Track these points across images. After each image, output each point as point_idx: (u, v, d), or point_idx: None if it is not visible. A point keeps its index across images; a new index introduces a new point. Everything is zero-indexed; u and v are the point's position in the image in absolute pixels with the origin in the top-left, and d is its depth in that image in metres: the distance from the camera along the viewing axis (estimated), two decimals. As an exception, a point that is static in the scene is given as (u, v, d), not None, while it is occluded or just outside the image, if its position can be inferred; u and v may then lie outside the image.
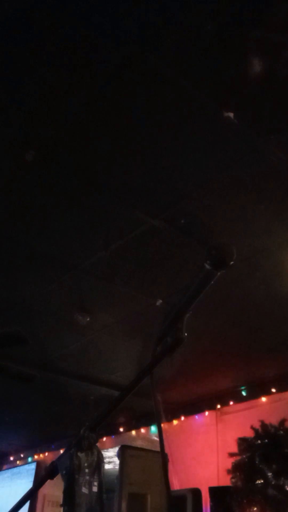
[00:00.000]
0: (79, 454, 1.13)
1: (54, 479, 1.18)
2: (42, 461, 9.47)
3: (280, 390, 6.09)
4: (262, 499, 5.11)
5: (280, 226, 3.69)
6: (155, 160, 3.17)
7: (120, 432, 7.93)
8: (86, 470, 1.13)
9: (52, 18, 2.38)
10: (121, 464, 6.22)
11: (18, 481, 9.65)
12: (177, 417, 7.18)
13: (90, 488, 1.12)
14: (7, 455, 10.30)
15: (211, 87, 2.67)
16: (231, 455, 5.62)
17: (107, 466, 8.30)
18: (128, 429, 7.87)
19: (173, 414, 7.13)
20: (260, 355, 5.64)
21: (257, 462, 5.30)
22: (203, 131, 2.94)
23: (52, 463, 1.18)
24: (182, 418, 7.17)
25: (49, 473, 1.17)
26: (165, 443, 1.26)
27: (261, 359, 5.74)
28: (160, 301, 4.59)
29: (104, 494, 1.15)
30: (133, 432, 7.84)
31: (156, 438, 7.34)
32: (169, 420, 7.18)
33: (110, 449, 7.75)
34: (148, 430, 7.62)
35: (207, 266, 1.15)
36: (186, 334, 1.16)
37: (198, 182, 3.31)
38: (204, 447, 6.67)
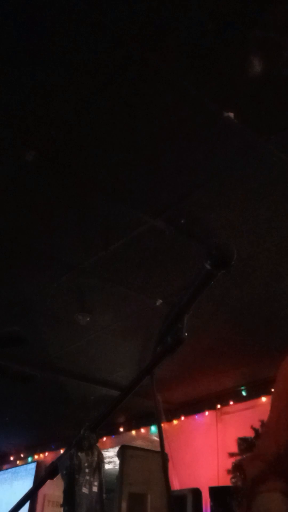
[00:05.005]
0: (79, 454, 1.12)
1: (54, 479, 1.18)
2: (42, 461, 9.46)
3: (280, 390, 6.08)
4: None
5: (280, 226, 3.69)
6: (155, 160, 3.17)
7: (120, 432, 7.93)
8: (86, 470, 1.13)
9: (52, 18, 2.37)
10: (121, 464, 6.22)
11: (18, 481, 9.65)
12: (177, 417, 7.18)
13: (90, 488, 1.12)
14: (7, 455, 10.29)
15: (211, 87, 2.67)
16: (231, 455, 5.62)
17: (107, 466, 8.30)
18: (128, 429, 7.87)
19: (173, 414, 7.13)
20: (260, 355, 5.63)
21: (257, 462, 5.29)
22: (203, 131, 2.94)
23: (52, 463, 1.17)
24: (182, 418, 7.17)
25: (49, 473, 1.17)
26: (165, 443, 1.26)
27: (261, 359, 5.73)
28: (160, 301, 4.59)
29: (104, 494, 1.15)
30: (133, 432, 7.84)
31: (156, 438, 7.33)
32: (169, 420, 7.18)
33: (110, 449, 7.75)
34: (148, 430, 7.61)
35: (207, 266, 1.14)
36: (186, 334, 1.16)
37: (198, 182, 3.31)
38: (204, 447, 6.67)
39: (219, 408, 6.75)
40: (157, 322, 1.24)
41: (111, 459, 7.77)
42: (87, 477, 1.12)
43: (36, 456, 9.71)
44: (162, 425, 1.38)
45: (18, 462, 10.15)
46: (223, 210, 3.54)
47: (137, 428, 7.77)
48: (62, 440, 8.85)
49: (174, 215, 3.58)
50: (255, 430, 5.51)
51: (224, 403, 6.68)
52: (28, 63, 2.59)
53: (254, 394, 6.33)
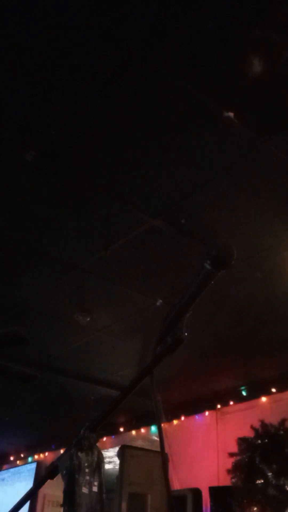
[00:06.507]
0: (79, 454, 1.12)
1: (54, 479, 1.18)
2: (42, 461, 9.46)
3: (280, 390, 6.09)
4: (262, 499, 5.11)
5: (280, 226, 3.69)
6: (155, 160, 3.17)
7: (120, 432, 7.93)
8: (86, 470, 1.13)
9: (53, 18, 2.37)
10: (121, 464, 6.22)
11: (18, 481, 9.64)
12: (177, 417, 7.18)
13: (90, 488, 1.12)
14: (7, 455, 10.29)
15: (211, 87, 2.67)
16: (231, 455, 5.62)
17: (107, 466, 8.30)
18: (128, 429, 7.87)
19: (173, 414, 7.13)
20: (260, 355, 5.63)
21: (257, 462, 5.30)
22: (203, 131, 2.94)
23: (52, 463, 1.18)
24: (182, 418, 7.16)
25: (49, 473, 1.17)
26: (165, 443, 1.26)
27: (261, 359, 5.73)
28: (160, 301, 4.59)
29: (104, 494, 1.15)
30: (133, 432, 7.83)
31: (156, 438, 7.34)
32: (169, 420, 7.18)
33: (110, 449, 7.75)
34: (148, 430, 7.61)
35: (207, 266, 1.14)
36: (186, 334, 1.16)
37: (198, 182, 3.31)
38: (204, 447, 6.67)
39: (219, 408, 6.75)
40: (157, 322, 1.24)
41: (111, 459, 7.77)
42: (87, 477, 1.12)
43: (36, 456, 9.71)
44: (162, 425, 1.39)
45: (18, 462, 10.15)
46: (223, 210, 3.54)
47: (137, 428, 7.77)
48: (62, 440, 8.85)
49: (174, 215, 3.58)
50: (255, 430, 5.51)
51: (224, 403, 6.68)
52: (28, 63, 2.59)
53: (254, 394, 6.33)
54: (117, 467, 6.45)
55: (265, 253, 3.97)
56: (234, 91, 2.69)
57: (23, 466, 9.85)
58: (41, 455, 9.60)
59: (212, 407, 6.81)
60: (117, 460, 6.61)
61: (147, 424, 7.56)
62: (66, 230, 3.84)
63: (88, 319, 4.89)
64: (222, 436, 6.50)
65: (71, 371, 6.27)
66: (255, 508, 5.18)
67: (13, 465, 10.20)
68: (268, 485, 5.13)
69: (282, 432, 5.39)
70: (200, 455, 6.64)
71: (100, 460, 1.16)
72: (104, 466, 1.17)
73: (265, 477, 5.19)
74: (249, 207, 3.51)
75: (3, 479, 10.13)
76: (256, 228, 3.71)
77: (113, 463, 7.68)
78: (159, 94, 2.73)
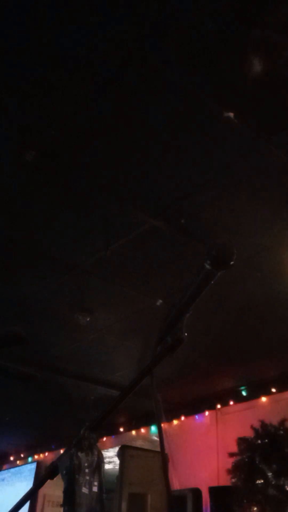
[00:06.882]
0: (79, 454, 1.13)
1: (54, 479, 1.18)
2: (42, 461, 9.47)
3: (280, 390, 6.09)
4: (262, 499, 5.11)
5: (280, 226, 3.69)
6: (155, 160, 3.17)
7: (120, 432, 7.93)
8: (86, 470, 1.13)
9: (52, 18, 2.37)
10: (121, 464, 6.23)
11: (18, 481, 9.65)
12: (177, 417, 7.18)
13: (90, 488, 1.12)
14: (7, 455, 10.29)
15: (211, 87, 2.67)
16: (231, 455, 5.62)
17: (107, 466, 8.30)
18: (128, 429, 7.87)
19: (173, 414, 7.13)
20: (260, 355, 5.63)
21: (257, 462, 5.30)
22: (203, 131, 2.94)
23: (52, 463, 1.18)
24: (182, 418, 7.17)
25: (49, 473, 1.17)
26: (165, 443, 1.26)
27: (261, 359, 5.73)
28: (160, 301, 4.59)
29: (104, 494, 1.15)
30: (133, 432, 7.84)
31: (156, 438, 7.34)
32: (169, 420, 7.18)
33: (110, 449, 7.75)
34: (148, 430, 7.61)
35: (207, 266, 1.15)
36: (186, 334, 1.16)
37: (198, 182, 3.31)
38: (204, 447, 6.67)
39: (219, 408, 6.75)
40: (157, 322, 1.24)
41: (111, 459, 7.78)
42: (87, 477, 1.12)
43: (36, 456, 9.71)
44: (162, 425, 1.39)
45: (18, 462, 10.15)
46: (223, 210, 3.54)
47: (137, 428, 7.77)
48: (62, 440, 8.85)
49: (174, 215, 3.58)
50: (255, 430, 5.51)
51: (224, 403, 6.68)
52: (28, 64, 2.59)
53: (254, 394, 6.34)
54: (117, 467, 6.46)
55: (265, 253, 3.97)
56: (234, 91, 2.69)
57: (23, 466, 9.86)
58: (41, 455, 9.60)
59: (212, 407, 6.81)
60: (117, 460, 6.62)
61: (147, 424, 7.56)
62: (66, 230, 3.84)
63: (88, 319, 4.89)
64: (222, 436, 6.50)
65: (71, 371, 6.27)
66: (255, 508, 5.17)
67: (13, 465, 10.20)
68: (268, 485, 5.13)
69: (282, 432, 5.39)
70: (200, 455, 6.64)
71: (100, 460, 1.16)
72: (104, 466, 1.17)
73: (265, 477, 5.19)
74: (249, 207, 3.51)
75: (3, 479, 10.13)
76: (256, 228, 3.71)
77: (113, 463, 7.69)
78: (159, 94, 2.73)
